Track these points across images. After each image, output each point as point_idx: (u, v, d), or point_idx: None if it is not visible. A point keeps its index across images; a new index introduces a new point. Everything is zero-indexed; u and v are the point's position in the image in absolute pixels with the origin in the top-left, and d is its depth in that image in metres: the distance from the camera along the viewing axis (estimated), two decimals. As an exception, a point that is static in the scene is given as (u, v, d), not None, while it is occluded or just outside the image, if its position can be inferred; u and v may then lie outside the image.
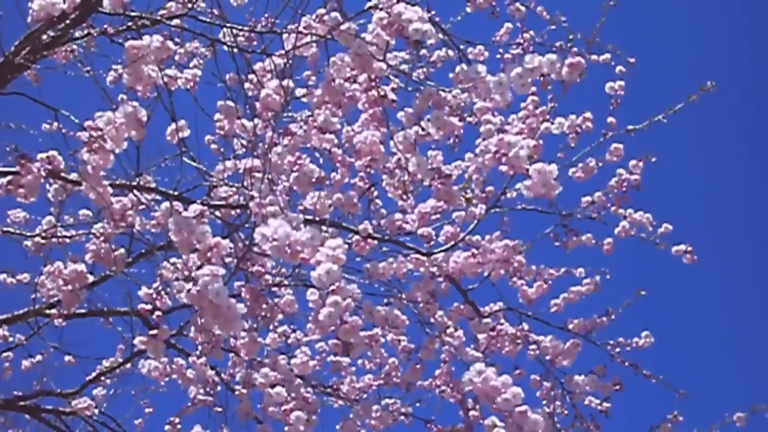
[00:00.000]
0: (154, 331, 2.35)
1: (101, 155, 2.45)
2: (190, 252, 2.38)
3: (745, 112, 9.76)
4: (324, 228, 3.10)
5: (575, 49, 3.52)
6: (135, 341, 2.49)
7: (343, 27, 2.46)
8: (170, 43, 2.54)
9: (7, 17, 2.98)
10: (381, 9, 2.39)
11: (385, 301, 3.69)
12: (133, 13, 2.87)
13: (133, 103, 2.46)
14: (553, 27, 4.03)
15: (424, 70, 3.91)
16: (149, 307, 2.41)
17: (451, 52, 3.89)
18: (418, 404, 4.21)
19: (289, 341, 3.96)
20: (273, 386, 2.93)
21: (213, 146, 4.23)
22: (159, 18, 2.99)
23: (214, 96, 3.41)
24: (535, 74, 2.21)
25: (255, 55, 3.26)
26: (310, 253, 1.90)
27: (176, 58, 3.70)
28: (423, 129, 2.43)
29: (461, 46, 3.85)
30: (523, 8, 3.96)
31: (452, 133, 2.62)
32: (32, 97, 2.78)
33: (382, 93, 2.52)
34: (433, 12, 3.79)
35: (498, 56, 4.24)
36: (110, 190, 2.81)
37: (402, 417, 4.05)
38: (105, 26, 3.06)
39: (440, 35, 3.76)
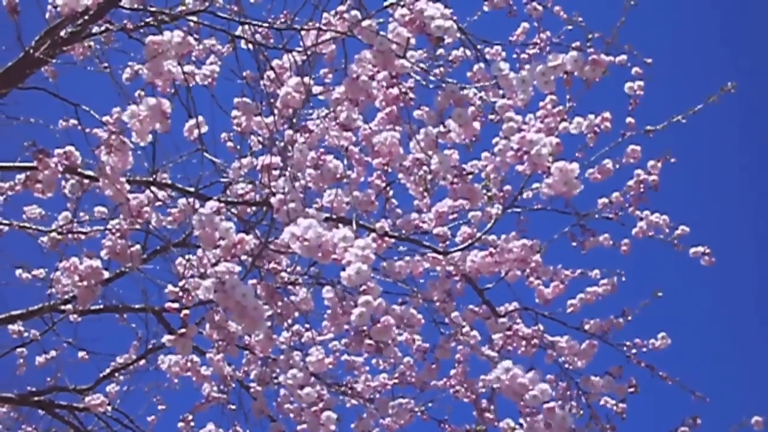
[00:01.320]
0: (182, 330, 2.34)
1: (120, 157, 2.44)
2: (213, 248, 2.37)
3: (765, 113, 9.72)
4: (341, 225, 3.08)
5: (593, 49, 3.50)
6: (163, 340, 2.48)
7: (364, 23, 2.45)
8: (191, 39, 2.53)
9: (25, 12, 2.99)
10: (403, 6, 2.38)
11: (399, 300, 3.68)
12: (152, 9, 2.87)
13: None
14: (570, 27, 4.01)
15: (442, 69, 3.90)
16: (176, 305, 2.39)
17: (468, 52, 3.88)
18: (431, 404, 4.21)
19: (303, 339, 3.96)
20: (301, 387, 2.90)
21: (229, 143, 4.23)
22: (179, 13, 2.98)
23: (230, 92, 3.41)
24: (558, 72, 2.21)
25: (273, 51, 3.26)
26: (342, 253, 1.89)
27: (194, 54, 3.69)
28: (444, 126, 2.42)
29: (479, 46, 3.85)
30: (540, 7, 3.94)
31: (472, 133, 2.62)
32: (52, 92, 2.79)
33: (403, 90, 2.51)
34: (451, 10, 3.79)
35: (515, 56, 4.24)
36: (127, 186, 2.81)
37: (419, 413, 4.03)
38: (125, 22, 3.06)
39: (458, 34, 3.75)
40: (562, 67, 2.20)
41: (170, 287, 2.50)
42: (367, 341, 2.00)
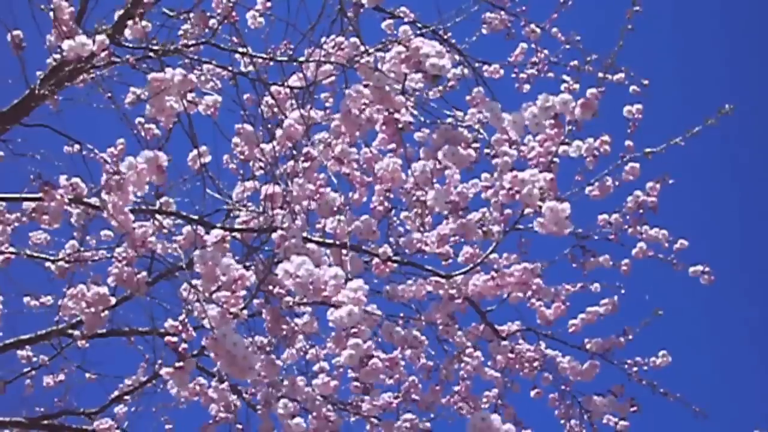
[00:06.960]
0: (180, 363, 2.37)
1: (121, 196, 2.48)
2: (215, 283, 2.41)
3: (763, 136, 9.72)
4: (344, 252, 3.11)
5: (591, 69, 3.54)
6: (161, 372, 2.52)
7: (363, 60, 2.48)
8: (192, 76, 2.58)
9: (29, 46, 3.03)
10: (399, 43, 2.41)
11: (401, 322, 3.71)
12: (154, 47, 2.91)
13: (155, 144, 2.49)
14: (568, 46, 4.05)
15: (440, 88, 3.93)
16: (175, 339, 2.43)
17: (466, 71, 3.92)
18: (434, 417, 4.23)
19: (308, 357, 3.99)
20: (293, 416, 2.94)
21: (231, 166, 4.27)
22: (179, 48, 3.02)
23: (232, 118, 3.45)
24: (549, 113, 2.23)
25: (272, 79, 3.29)
26: (333, 291, 1.92)
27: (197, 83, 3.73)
28: (440, 162, 2.45)
29: (476, 65, 3.88)
30: (537, 29, 3.99)
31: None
32: (57, 130, 2.84)
33: (400, 126, 2.55)
34: (449, 34, 3.83)
35: (513, 75, 4.28)
36: (132, 217, 2.85)
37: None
38: (127, 56, 3.10)
39: (456, 56, 3.79)
40: (552, 108, 2.23)
41: (170, 321, 2.54)
42: (354, 384, 2.02)
